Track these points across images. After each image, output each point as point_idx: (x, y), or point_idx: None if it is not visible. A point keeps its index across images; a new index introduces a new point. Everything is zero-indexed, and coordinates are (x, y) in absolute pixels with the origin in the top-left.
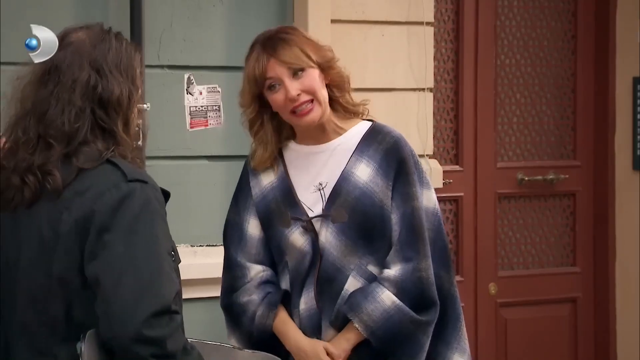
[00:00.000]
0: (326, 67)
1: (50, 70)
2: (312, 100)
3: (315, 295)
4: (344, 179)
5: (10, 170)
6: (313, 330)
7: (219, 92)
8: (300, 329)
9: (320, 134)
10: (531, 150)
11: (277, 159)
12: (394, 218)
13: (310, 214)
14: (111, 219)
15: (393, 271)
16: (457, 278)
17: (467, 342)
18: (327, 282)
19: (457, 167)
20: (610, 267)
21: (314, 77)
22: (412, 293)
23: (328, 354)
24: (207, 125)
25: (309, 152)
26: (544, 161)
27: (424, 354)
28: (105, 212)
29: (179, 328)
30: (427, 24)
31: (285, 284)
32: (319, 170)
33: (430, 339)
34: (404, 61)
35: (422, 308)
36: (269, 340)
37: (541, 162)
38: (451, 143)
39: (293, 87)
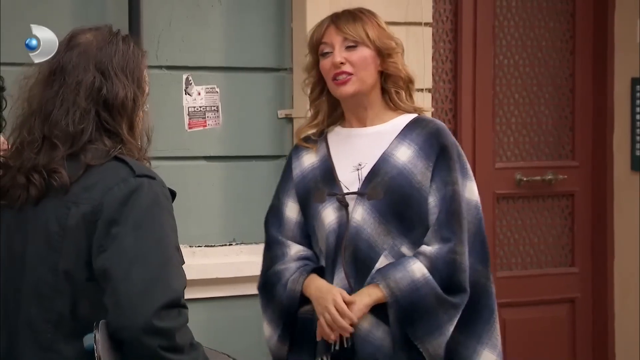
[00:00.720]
0: (384, 54)
1: (56, 71)
2: (351, 74)
3: (346, 275)
4: (383, 159)
5: (16, 169)
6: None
7: (217, 92)
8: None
9: (364, 116)
10: (529, 151)
11: (321, 142)
12: (432, 201)
13: (346, 191)
14: (120, 212)
15: (430, 248)
16: None
17: (499, 338)
18: (360, 261)
19: None
20: (608, 268)
21: (363, 55)
22: (444, 273)
23: (345, 300)
24: (205, 126)
25: (351, 134)
26: (543, 161)
27: (443, 337)
28: (114, 205)
29: (187, 323)
30: (426, 24)
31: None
32: (359, 152)
33: (453, 325)
34: None
35: (451, 290)
36: (296, 315)
37: (539, 162)
38: None
39: (340, 54)
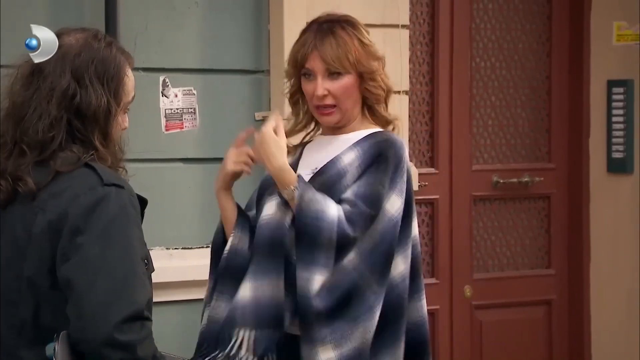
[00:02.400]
0: (367, 78)
1: (34, 73)
2: (334, 106)
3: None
4: (331, 162)
5: None
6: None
7: (194, 94)
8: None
9: (341, 129)
10: (506, 153)
11: (299, 147)
12: (349, 194)
13: None
14: (85, 221)
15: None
16: (432, 280)
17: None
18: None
19: (432, 170)
20: (584, 270)
21: (346, 85)
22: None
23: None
24: (182, 128)
25: (323, 142)
26: (519, 164)
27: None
28: (80, 214)
29: (150, 335)
30: (403, 26)
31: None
32: (320, 157)
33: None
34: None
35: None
36: (235, 268)
37: (516, 164)
38: (426, 146)
39: (323, 86)
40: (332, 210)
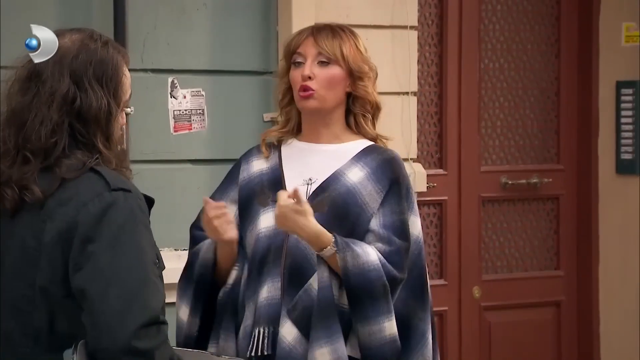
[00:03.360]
0: (355, 76)
1: (32, 77)
2: (314, 90)
3: (283, 286)
4: (334, 177)
5: None
6: (270, 319)
7: (202, 95)
8: (255, 317)
9: (320, 133)
10: (515, 154)
11: (274, 151)
12: (375, 224)
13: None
14: (95, 229)
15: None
16: (441, 282)
17: None
18: (295, 272)
19: (441, 171)
20: (593, 271)
21: (333, 75)
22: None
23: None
24: (190, 129)
25: (305, 149)
26: (528, 165)
27: (390, 323)
28: (89, 222)
29: (167, 339)
30: (411, 27)
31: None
32: (311, 167)
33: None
34: (388, 65)
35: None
36: (210, 281)
37: (525, 165)
38: (435, 147)
39: (311, 68)
40: (373, 257)
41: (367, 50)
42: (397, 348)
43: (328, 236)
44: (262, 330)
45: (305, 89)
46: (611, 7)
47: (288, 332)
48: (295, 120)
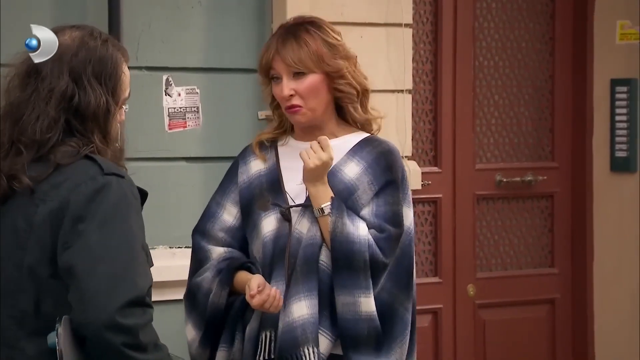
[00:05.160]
0: (335, 76)
1: (31, 73)
2: (301, 106)
3: (288, 287)
4: (331, 174)
5: None
6: (275, 322)
7: (197, 93)
8: (261, 321)
9: (316, 132)
10: (509, 152)
11: (271, 151)
12: (367, 212)
13: (292, 203)
14: (86, 209)
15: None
16: (435, 279)
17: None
18: (300, 270)
19: (435, 169)
20: (588, 269)
21: (311, 84)
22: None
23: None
24: (185, 127)
25: (301, 148)
26: (522, 162)
27: (368, 299)
28: (80, 202)
29: (151, 323)
30: (406, 25)
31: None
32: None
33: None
34: (383, 63)
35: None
36: (221, 319)
37: (519, 163)
38: (430, 144)
39: (288, 86)
40: (362, 232)
41: (340, 34)
42: (376, 329)
43: (330, 194)
44: (268, 334)
45: (290, 107)
46: (605, 5)
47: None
48: (288, 121)
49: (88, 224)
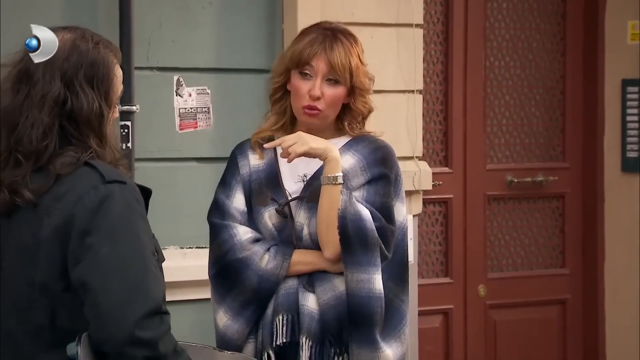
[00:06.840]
0: (357, 93)
1: (22, 78)
2: (321, 110)
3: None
4: None
5: None
6: (290, 307)
7: (208, 94)
8: (275, 307)
9: (316, 134)
10: (520, 152)
11: (268, 151)
12: (358, 195)
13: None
14: (92, 222)
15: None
16: (446, 280)
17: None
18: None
19: (446, 169)
20: (599, 269)
21: (339, 95)
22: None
23: None
24: (196, 127)
25: None
26: (533, 163)
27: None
28: (85, 215)
29: (170, 329)
30: (417, 25)
31: None
32: (305, 163)
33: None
34: (394, 63)
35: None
36: (271, 295)
37: (530, 163)
38: (440, 145)
39: (320, 87)
40: (367, 213)
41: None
42: (383, 310)
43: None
44: (281, 318)
45: (312, 107)
46: (616, 5)
47: (311, 301)
48: (289, 116)
49: (95, 237)
